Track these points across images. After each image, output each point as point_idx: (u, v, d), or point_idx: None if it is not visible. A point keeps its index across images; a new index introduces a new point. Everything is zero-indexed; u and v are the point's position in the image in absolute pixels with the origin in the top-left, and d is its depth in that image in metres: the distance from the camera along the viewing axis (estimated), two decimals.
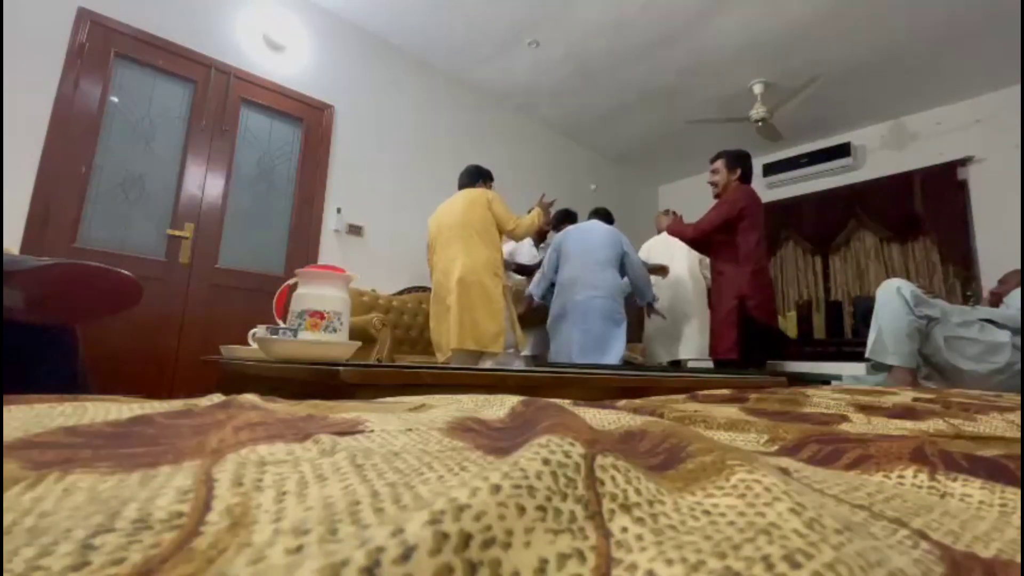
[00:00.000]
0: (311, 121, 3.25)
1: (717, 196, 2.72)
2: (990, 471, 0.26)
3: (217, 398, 0.37)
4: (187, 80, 2.80)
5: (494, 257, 2.53)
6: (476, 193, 2.58)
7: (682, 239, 2.79)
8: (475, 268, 2.43)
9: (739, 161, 2.70)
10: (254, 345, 1.28)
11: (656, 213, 3.13)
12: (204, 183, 2.79)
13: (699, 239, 2.70)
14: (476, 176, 2.73)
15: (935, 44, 3.49)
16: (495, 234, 2.56)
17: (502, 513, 0.14)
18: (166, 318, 2.60)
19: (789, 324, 4.66)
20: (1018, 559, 0.17)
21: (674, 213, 2.93)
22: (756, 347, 2.50)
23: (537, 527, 0.15)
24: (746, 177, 2.69)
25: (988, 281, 3.52)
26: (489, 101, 4.34)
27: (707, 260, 2.94)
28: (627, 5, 3.25)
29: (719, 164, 2.73)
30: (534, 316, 2.98)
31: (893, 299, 1.94)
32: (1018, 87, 3.78)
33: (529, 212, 2.78)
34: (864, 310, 3.26)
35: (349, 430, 0.26)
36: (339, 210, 3.25)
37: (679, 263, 3.22)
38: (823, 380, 2.17)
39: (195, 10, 2.84)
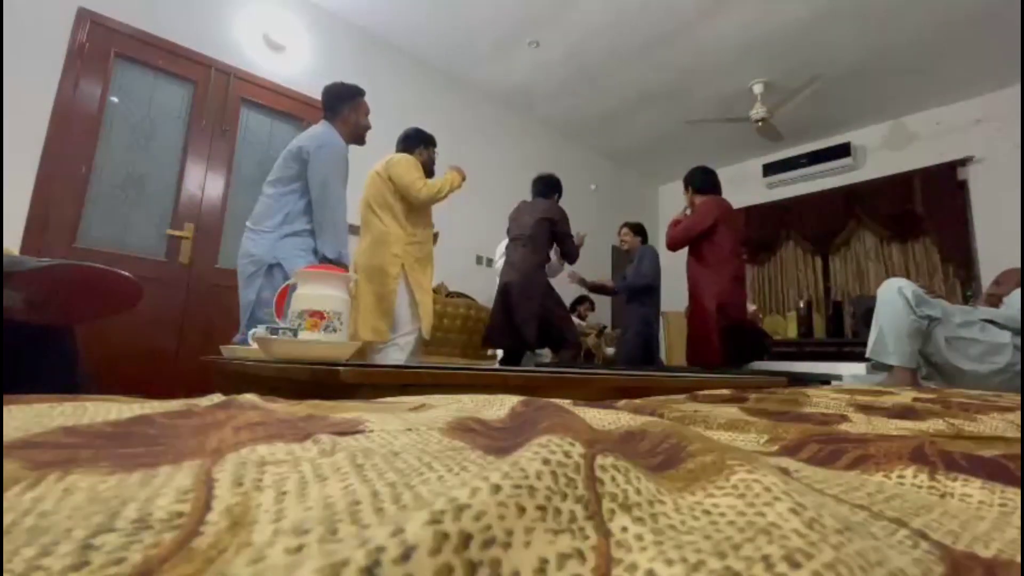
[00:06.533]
0: (311, 121, 3.24)
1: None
2: (990, 471, 0.26)
3: (217, 398, 0.37)
4: (187, 80, 2.80)
5: (393, 232, 2.25)
6: (381, 164, 2.35)
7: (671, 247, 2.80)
8: (363, 250, 2.28)
9: (690, 178, 2.78)
10: (254, 345, 1.28)
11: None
12: (204, 183, 2.79)
13: (674, 248, 2.76)
14: (402, 142, 2.51)
15: (935, 44, 3.49)
16: (397, 205, 2.27)
17: (502, 513, 0.14)
18: (166, 318, 2.60)
19: (789, 324, 4.65)
20: (1018, 559, 0.17)
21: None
22: (740, 350, 2.54)
23: (537, 527, 0.15)
24: (703, 189, 2.73)
25: (988, 281, 3.51)
26: (489, 101, 4.34)
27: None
28: (627, 5, 3.25)
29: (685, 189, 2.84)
30: None
31: (894, 299, 1.93)
32: (1018, 87, 3.78)
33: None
34: (864, 310, 3.26)
35: (349, 430, 0.26)
36: None
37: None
38: (823, 380, 2.16)
39: (195, 10, 2.84)
